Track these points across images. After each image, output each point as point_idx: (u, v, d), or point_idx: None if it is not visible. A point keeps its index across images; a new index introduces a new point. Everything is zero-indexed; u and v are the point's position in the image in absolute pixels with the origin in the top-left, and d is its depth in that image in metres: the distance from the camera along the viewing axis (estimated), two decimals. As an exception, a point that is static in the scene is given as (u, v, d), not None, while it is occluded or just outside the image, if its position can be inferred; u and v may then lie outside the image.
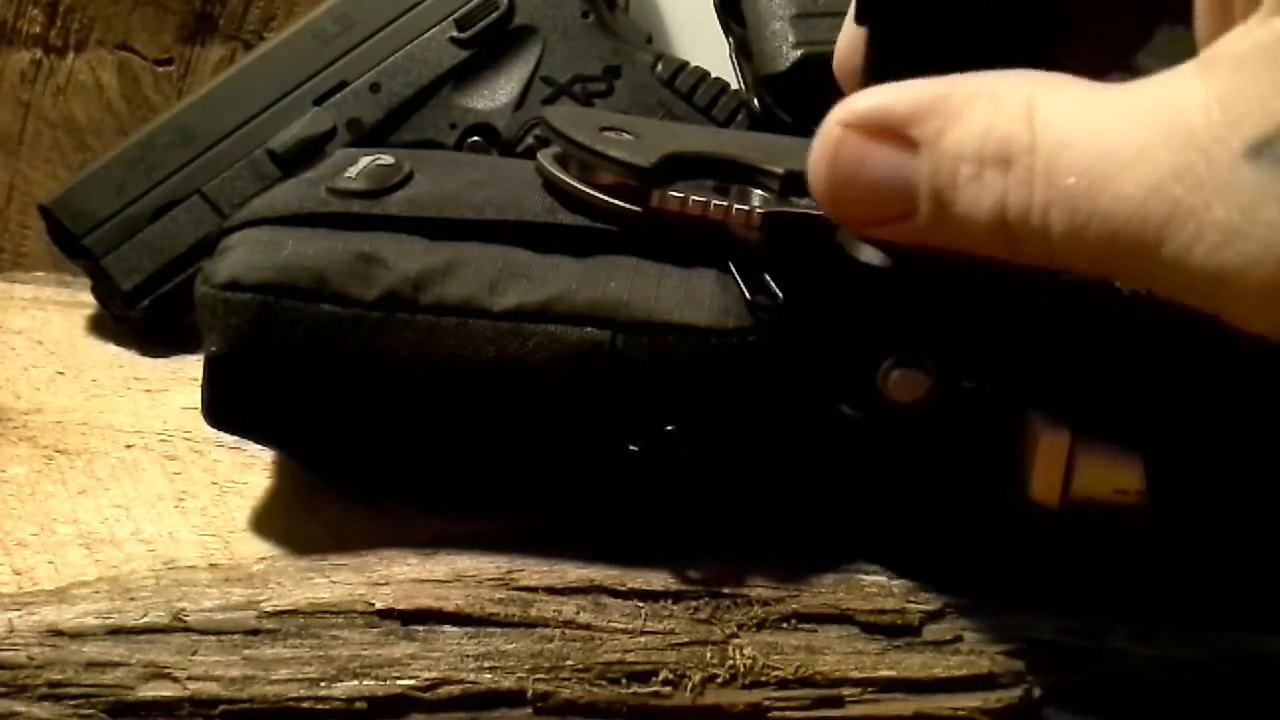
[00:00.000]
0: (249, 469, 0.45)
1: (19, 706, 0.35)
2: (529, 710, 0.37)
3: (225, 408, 0.41)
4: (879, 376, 0.38)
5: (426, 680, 0.37)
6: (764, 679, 0.38)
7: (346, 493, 0.43)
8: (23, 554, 0.40)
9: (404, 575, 0.39)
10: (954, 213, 0.28)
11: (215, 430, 0.42)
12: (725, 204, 0.40)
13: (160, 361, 0.52)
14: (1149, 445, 0.37)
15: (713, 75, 0.57)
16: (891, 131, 0.29)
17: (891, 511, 0.41)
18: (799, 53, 0.51)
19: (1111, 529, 0.38)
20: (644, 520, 0.41)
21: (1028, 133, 0.27)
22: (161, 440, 0.46)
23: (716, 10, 0.58)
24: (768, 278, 0.40)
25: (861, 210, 0.30)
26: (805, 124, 0.53)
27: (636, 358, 0.39)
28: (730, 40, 0.57)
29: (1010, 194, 0.27)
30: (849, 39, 0.37)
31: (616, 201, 0.41)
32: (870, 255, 0.37)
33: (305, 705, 0.36)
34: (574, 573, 0.39)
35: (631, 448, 0.39)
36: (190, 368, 0.51)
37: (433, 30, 0.56)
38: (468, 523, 0.41)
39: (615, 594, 0.39)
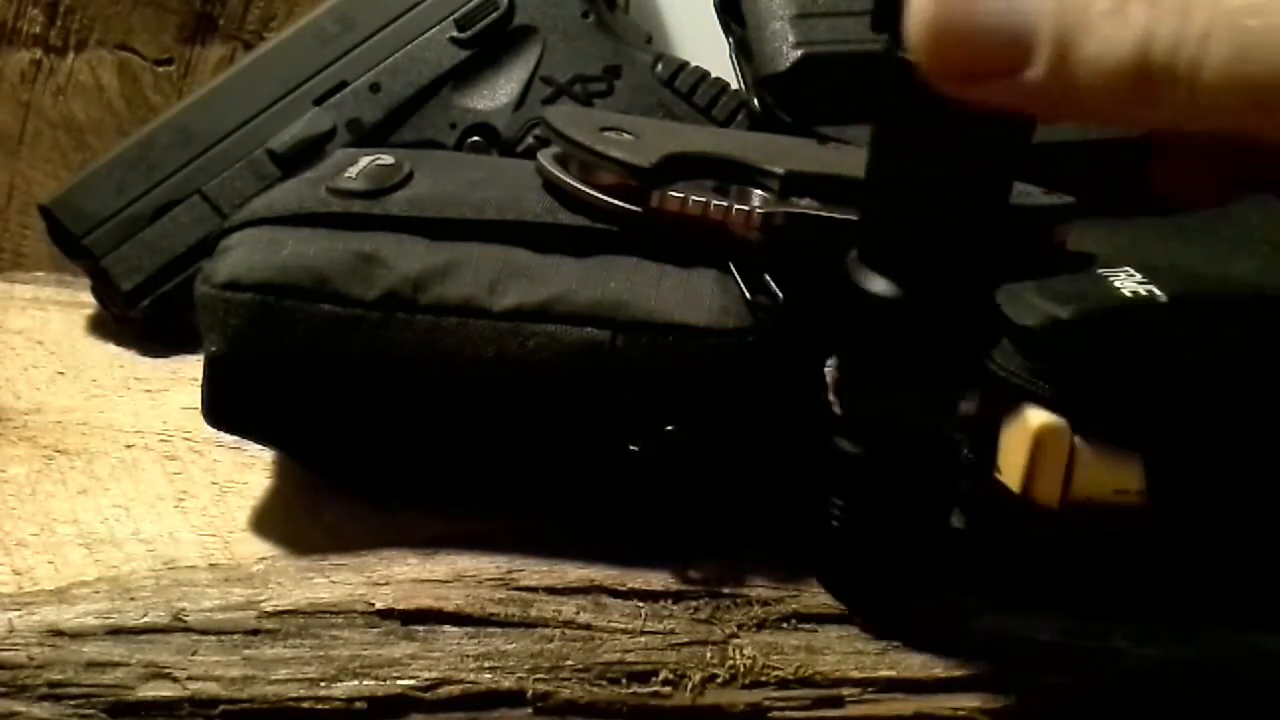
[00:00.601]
0: (249, 469, 0.45)
1: (19, 706, 0.35)
2: (529, 710, 0.37)
3: (225, 408, 0.41)
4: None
5: (426, 680, 0.37)
6: (764, 679, 0.38)
7: (347, 493, 0.43)
8: (23, 554, 0.40)
9: (404, 575, 0.39)
10: (1081, 57, 0.24)
11: (215, 430, 0.42)
12: (725, 204, 0.40)
13: (160, 361, 0.52)
14: (1149, 445, 0.37)
15: (713, 75, 0.57)
16: None
17: (891, 511, 0.41)
18: (799, 53, 0.51)
19: (1111, 529, 0.38)
20: (644, 520, 0.41)
21: None
22: (161, 440, 0.46)
23: (716, 10, 0.58)
24: (768, 278, 0.40)
25: (965, 62, 0.26)
26: (805, 124, 0.53)
27: (636, 358, 0.39)
28: (730, 40, 0.57)
29: (1160, 25, 0.24)
30: None
31: (616, 201, 0.41)
32: (880, 286, 0.36)
33: (305, 705, 0.36)
34: (574, 573, 0.39)
35: (631, 448, 0.39)
36: (190, 368, 0.51)
37: (433, 30, 0.56)
38: (468, 523, 0.41)
39: (615, 594, 0.39)
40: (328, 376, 0.40)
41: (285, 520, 0.42)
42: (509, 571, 0.39)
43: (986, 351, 0.38)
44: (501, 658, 0.37)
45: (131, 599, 0.37)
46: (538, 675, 0.37)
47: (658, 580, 0.39)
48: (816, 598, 0.39)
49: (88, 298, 0.56)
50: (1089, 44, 0.24)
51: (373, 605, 0.38)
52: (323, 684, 0.36)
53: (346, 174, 0.43)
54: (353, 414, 0.41)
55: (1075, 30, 0.24)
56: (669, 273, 0.40)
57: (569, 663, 0.37)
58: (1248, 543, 0.39)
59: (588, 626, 0.38)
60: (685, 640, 0.38)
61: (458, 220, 0.41)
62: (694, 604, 0.39)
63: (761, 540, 0.41)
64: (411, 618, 0.38)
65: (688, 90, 0.56)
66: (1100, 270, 0.42)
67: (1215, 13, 0.23)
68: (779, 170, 0.41)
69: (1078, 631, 0.39)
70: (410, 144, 0.55)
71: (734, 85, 0.57)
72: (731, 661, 0.38)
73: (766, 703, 0.38)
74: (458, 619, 0.38)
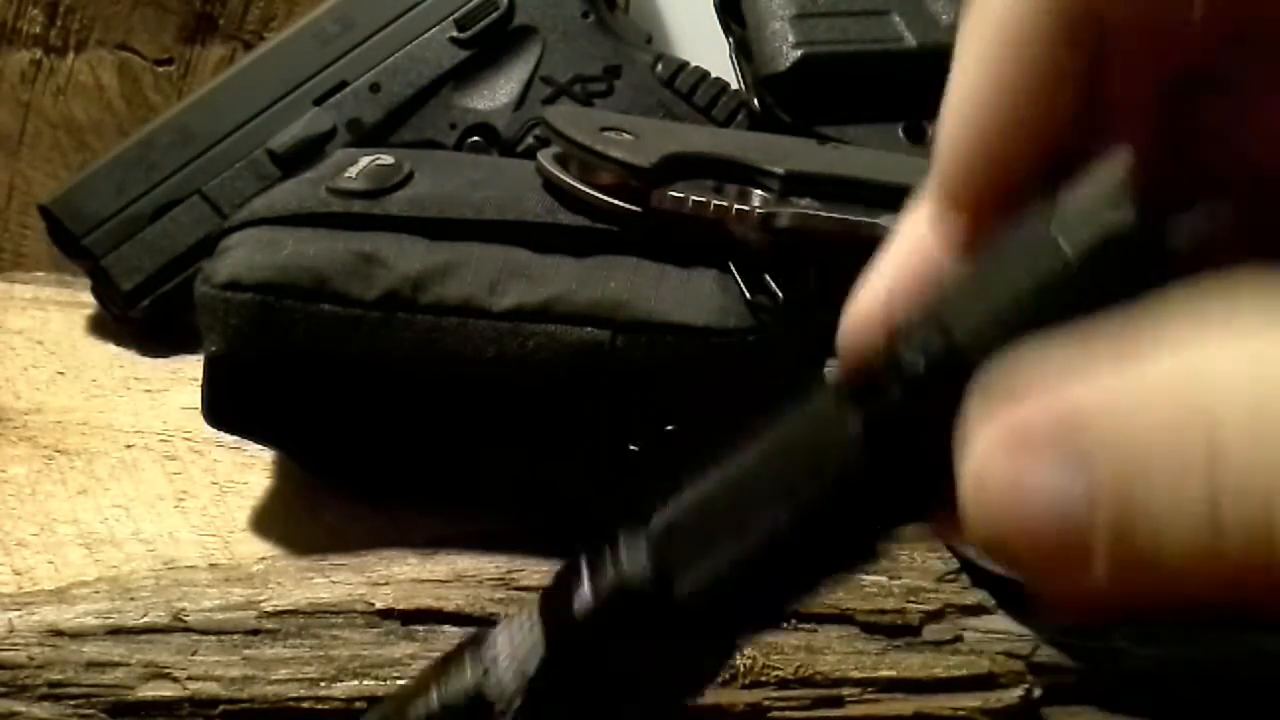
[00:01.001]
0: (249, 469, 0.45)
1: (19, 706, 0.35)
2: (529, 710, 0.37)
3: (225, 408, 0.41)
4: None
5: (426, 680, 0.37)
6: (764, 679, 0.38)
7: (347, 493, 0.43)
8: (23, 554, 0.40)
9: (404, 575, 0.39)
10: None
11: (215, 430, 0.42)
12: (725, 204, 0.40)
13: (160, 361, 0.52)
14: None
15: (713, 75, 0.57)
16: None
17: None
18: (799, 53, 0.51)
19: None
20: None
21: None
22: (161, 440, 0.46)
23: (716, 10, 0.58)
24: (768, 278, 0.40)
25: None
26: (805, 124, 0.53)
27: (636, 358, 0.39)
28: (730, 40, 0.57)
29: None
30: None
31: (616, 201, 0.41)
32: None
33: (305, 705, 0.36)
34: (574, 573, 0.39)
35: (631, 448, 0.39)
36: (190, 368, 0.51)
37: (433, 30, 0.56)
38: (468, 523, 0.41)
39: (615, 594, 0.39)
40: (328, 376, 0.40)
41: (285, 520, 0.42)
42: (509, 571, 0.39)
43: None
44: (501, 658, 0.37)
45: (131, 599, 0.37)
46: (538, 675, 0.37)
47: (658, 580, 0.39)
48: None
49: (88, 298, 0.56)
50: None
51: (373, 605, 0.38)
52: (323, 684, 0.36)
53: (346, 174, 0.43)
54: (353, 414, 0.41)
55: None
56: (669, 273, 0.40)
57: (569, 663, 0.37)
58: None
59: (588, 626, 0.38)
60: (685, 640, 0.38)
61: (458, 220, 0.41)
62: (694, 604, 0.39)
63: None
64: (411, 618, 0.38)
65: (688, 90, 0.56)
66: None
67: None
68: (779, 170, 0.41)
69: (1078, 631, 0.39)
70: (410, 144, 0.55)
71: (734, 85, 0.57)
72: (731, 661, 0.38)
73: (766, 703, 0.37)
74: (458, 619, 0.38)
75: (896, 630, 0.39)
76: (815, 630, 0.39)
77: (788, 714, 0.38)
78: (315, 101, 0.55)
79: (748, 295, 0.40)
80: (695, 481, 0.22)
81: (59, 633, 0.36)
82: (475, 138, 0.56)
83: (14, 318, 0.55)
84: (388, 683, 0.36)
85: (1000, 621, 0.39)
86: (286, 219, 0.42)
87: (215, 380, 0.41)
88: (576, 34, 0.56)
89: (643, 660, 0.21)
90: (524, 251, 0.41)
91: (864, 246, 0.43)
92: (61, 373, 0.51)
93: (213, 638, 0.37)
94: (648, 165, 0.41)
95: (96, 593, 0.38)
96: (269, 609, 0.37)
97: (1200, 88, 0.20)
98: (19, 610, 0.37)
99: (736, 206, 0.40)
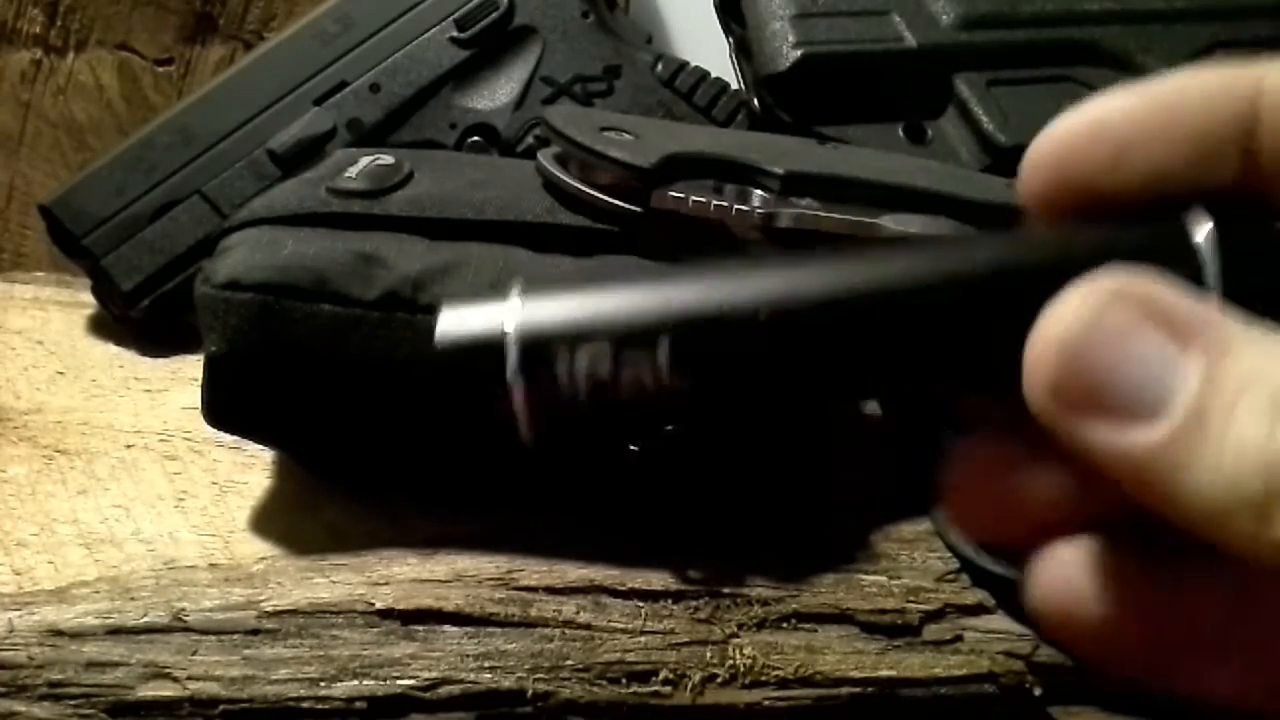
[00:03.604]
0: (249, 469, 0.45)
1: (19, 706, 0.35)
2: (529, 710, 0.37)
3: (225, 408, 0.41)
4: None
5: (426, 680, 0.37)
6: (764, 679, 0.38)
7: (347, 493, 0.43)
8: (23, 554, 0.40)
9: (404, 575, 0.39)
10: (1217, 435, 0.22)
11: (215, 430, 0.42)
12: (725, 204, 0.40)
13: (160, 361, 0.52)
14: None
15: (713, 75, 0.57)
16: (1169, 322, 0.23)
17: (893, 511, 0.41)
18: (799, 53, 0.51)
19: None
20: (644, 520, 0.41)
21: None
22: (161, 440, 0.46)
23: (716, 10, 0.58)
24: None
25: (1093, 396, 0.24)
26: (805, 124, 0.53)
27: (636, 358, 0.39)
28: (730, 40, 0.57)
29: None
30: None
31: (616, 201, 0.41)
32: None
33: (305, 705, 0.36)
34: (574, 573, 0.39)
35: (631, 448, 0.39)
36: (190, 368, 0.51)
37: (433, 30, 0.56)
38: (468, 523, 0.41)
39: (615, 594, 0.39)
40: (328, 376, 0.40)
41: (285, 520, 0.42)
42: (509, 571, 0.39)
43: None
44: (501, 658, 0.37)
45: (131, 599, 0.37)
46: (538, 675, 0.37)
47: (658, 580, 0.39)
48: (816, 598, 0.39)
49: (88, 298, 0.56)
50: (1232, 426, 0.22)
51: (373, 605, 0.38)
52: (323, 684, 0.36)
53: (346, 174, 0.43)
54: (353, 414, 0.41)
55: (1221, 410, 0.22)
56: (669, 273, 0.40)
57: (569, 663, 0.37)
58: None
59: (588, 626, 0.38)
60: (685, 640, 0.38)
61: (458, 220, 0.41)
62: (694, 604, 0.39)
63: (761, 540, 0.41)
64: (411, 618, 0.38)
65: (688, 90, 0.56)
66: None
67: None
68: (779, 170, 0.41)
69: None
70: (410, 144, 0.55)
71: (734, 85, 0.57)
72: (731, 661, 0.38)
73: (766, 703, 0.37)
74: (458, 619, 0.38)
75: (896, 630, 0.39)
76: (815, 630, 0.39)
77: (787, 714, 0.38)
78: (315, 101, 0.55)
79: (748, 295, 0.40)
80: None
81: (59, 633, 0.36)
82: (475, 138, 0.56)
83: (14, 318, 0.55)
84: (388, 683, 0.36)
85: (1000, 621, 0.39)
86: (286, 219, 0.42)
87: (215, 380, 0.41)
88: (576, 34, 0.57)
89: None
90: (524, 251, 0.41)
91: (864, 246, 0.43)
92: (61, 373, 0.51)
93: (213, 638, 0.37)
94: (648, 165, 0.41)
95: (96, 593, 0.38)
96: (269, 609, 0.37)
97: None
98: (19, 610, 0.37)
99: (736, 206, 0.40)
